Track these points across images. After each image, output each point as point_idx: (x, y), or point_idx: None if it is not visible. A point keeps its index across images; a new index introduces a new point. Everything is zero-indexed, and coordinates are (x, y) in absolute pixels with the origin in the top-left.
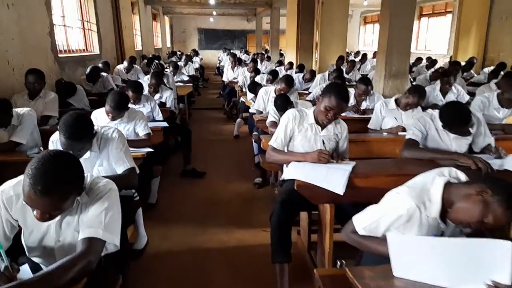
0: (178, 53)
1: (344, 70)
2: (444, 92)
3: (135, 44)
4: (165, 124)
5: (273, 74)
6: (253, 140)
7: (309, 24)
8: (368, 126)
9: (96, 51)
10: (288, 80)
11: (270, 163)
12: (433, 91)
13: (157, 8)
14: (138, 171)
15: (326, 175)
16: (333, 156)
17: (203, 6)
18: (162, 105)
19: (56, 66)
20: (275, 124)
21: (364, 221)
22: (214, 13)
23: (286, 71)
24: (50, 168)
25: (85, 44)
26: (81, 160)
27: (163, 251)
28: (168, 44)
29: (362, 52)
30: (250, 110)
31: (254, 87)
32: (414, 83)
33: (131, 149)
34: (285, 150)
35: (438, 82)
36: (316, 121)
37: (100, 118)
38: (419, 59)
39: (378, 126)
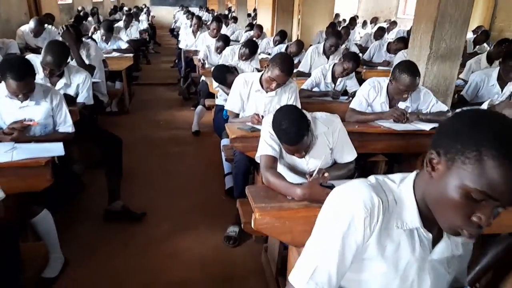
0: (125, 9)
1: None
2: (503, 82)
3: None
4: (58, 150)
5: (250, 46)
6: (222, 152)
7: None
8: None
9: None
10: (285, 64)
11: None
12: (487, 80)
13: None
14: None
15: None
16: None
17: None
18: (70, 100)
19: None
20: (273, 161)
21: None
22: None
23: (257, 39)
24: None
25: None
26: None
27: None
28: None
29: (340, 16)
30: (218, 102)
31: (223, 75)
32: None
33: None
34: None
35: (493, 68)
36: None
37: None
38: None
39: None
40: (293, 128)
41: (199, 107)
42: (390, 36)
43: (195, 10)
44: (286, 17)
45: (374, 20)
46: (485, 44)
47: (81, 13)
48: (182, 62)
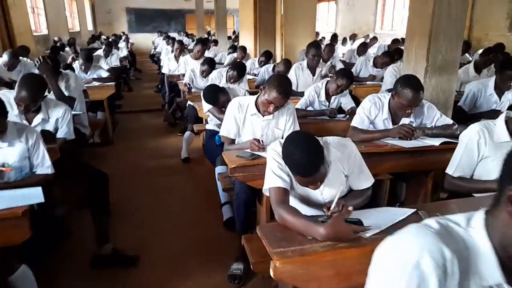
0: (103, 37)
1: None
2: (501, 91)
3: (37, 27)
4: (37, 196)
5: (239, 68)
6: (218, 182)
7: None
8: (450, 170)
9: None
10: (283, 85)
11: None
12: (484, 90)
13: None
14: None
15: None
16: None
17: None
18: (48, 136)
19: None
20: (285, 194)
21: None
22: None
23: (242, 59)
24: None
25: None
26: None
27: None
28: (90, 27)
29: (320, 34)
30: (208, 126)
31: (215, 95)
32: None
33: None
34: None
35: (489, 77)
36: None
37: None
38: (395, 41)
39: (469, 172)
40: (307, 158)
41: (187, 133)
42: (371, 51)
43: (174, 35)
44: (268, 38)
45: (353, 37)
46: (466, 54)
47: (58, 44)
48: (165, 87)
